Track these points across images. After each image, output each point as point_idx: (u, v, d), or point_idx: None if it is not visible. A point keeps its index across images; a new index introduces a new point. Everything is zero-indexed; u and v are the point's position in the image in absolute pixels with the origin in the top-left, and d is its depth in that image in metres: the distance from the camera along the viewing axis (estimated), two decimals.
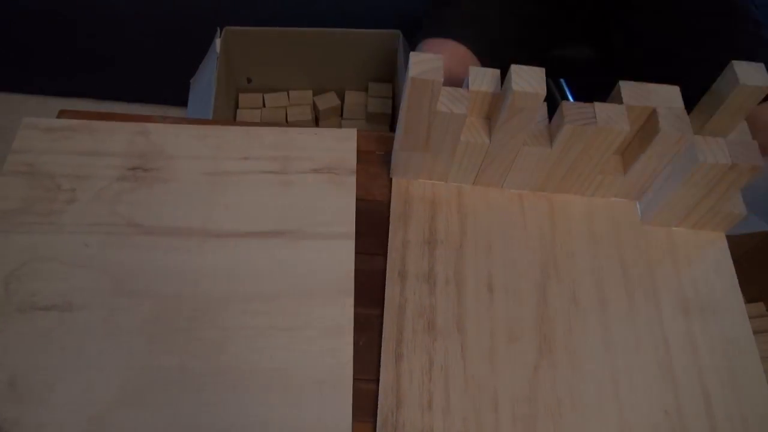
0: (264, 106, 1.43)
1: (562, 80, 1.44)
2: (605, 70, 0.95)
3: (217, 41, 1.22)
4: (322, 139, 0.79)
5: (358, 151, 0.79)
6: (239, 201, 0.73)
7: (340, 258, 0.70)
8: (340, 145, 0.79)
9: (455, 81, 0.80)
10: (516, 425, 0.62)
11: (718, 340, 0.69)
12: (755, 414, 0.64)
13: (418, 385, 0.63)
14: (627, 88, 0.68)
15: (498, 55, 0.91)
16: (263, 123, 1.32)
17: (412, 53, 0.62)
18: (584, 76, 0.89)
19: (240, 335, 0.64)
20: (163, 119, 0.80)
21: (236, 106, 1.43)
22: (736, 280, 0.73)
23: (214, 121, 0.80)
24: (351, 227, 0.72)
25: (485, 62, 0.93)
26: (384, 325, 0.67)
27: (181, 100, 1.40)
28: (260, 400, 0.61)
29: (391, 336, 0.66)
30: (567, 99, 1.17)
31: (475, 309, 0.69)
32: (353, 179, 0.76)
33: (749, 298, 1.13)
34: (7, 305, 0.65)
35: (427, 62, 0.61)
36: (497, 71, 0.67)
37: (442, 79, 0.61)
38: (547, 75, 0.62)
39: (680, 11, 0.91)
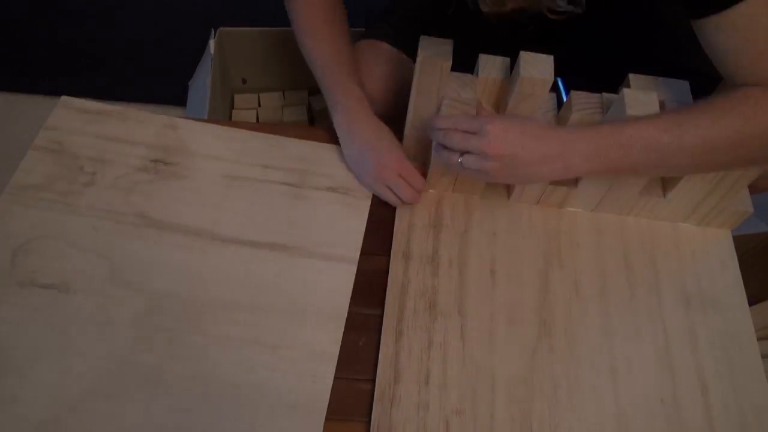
0: (260, 106, 1.43)
1: (558, 78, 1.44)
2: (596, 70, 0.93)
3: (211, 42, 1.23)
4: (343, 157, 0.78)
5: None
6: (250, 208, 0.73)
7: (339, 282, 0.69)
8: None
9: (387, 81, 0.85)
10: (511, 406, 0.63)
11: (718, 334, 0.69)
12: (752, 405, 0.64)
13: (417, 361, 0.65)
14: (636, 80, 0.69)
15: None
16: (262, 123, 1.33)
17: (422, 36, 0.64)
18: (580, 76, 0.87)
19: (223, 345, 0.64)
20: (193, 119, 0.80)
21: (232, 107, 1.45)
22: (740, 277, 0.73)
23: (243, 124, 0.81)
24: (356, 252, 0.71)
25: (405, 50, 0.90)
26: (386, 303, 0.68)
27: (181, 100, 1.42)
28: (231, 414, 0.60)
29: (393, 313, 0.67)
30: (561, 96, 1.17)
31: (477, 292, 0.70)
32: (368, 204, 0.75)
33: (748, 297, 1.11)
34: (9, 277, 0.66)
35: (435, 46, 0.63)
36: (507, 59, 0.68)
37: (450, 61, 0.62)
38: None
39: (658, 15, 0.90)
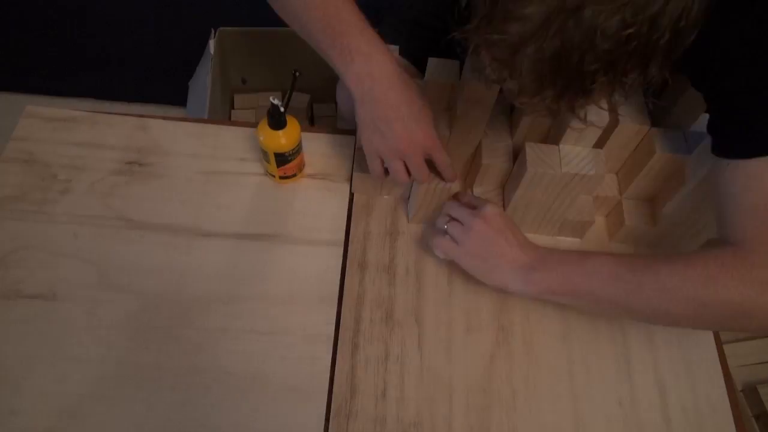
0: (259, 106, 1.43)
1: None
2: None
3: (211, 42, 1.22)
4: (320, 145, 0.78)
5: None
6: (231, 201, 0.73)
7: (327, 265, 0.69)
8: (338, 151, 0.78)
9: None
10: (469, 415, 0.62)
11: (676, 332, 0.69)
12: (708, 405, 0.65)
13: (373, 374, 0.64)
14: None
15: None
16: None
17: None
18: None
19: (219, 337, 0.64)
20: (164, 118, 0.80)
21: (231, 107, 1.44)
22: None
23: (214, 121, 0.79)
24: (341, 234, 0.72)
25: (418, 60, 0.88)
26: (341, 316, 0.67)
27: (181, 100, 1.41)
28: (233, 404, 0.61)
29: (348, 326, 0.66)
30: None
31: (434, 299, 0.69)
32: (347, 186, 0.75)
33: None
34: None
35: None
36: (456, 62, 0.67)
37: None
38: None
39: None
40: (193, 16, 1.67)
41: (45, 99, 1.49)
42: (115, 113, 0.79)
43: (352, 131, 0.79)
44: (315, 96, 1.42)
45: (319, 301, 0.67)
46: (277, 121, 0.66)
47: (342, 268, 0.70)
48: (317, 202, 0.74)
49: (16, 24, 1.66)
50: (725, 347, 0.69)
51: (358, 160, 0.73)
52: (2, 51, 1.61)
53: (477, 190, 0.72)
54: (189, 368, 0.62)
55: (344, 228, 0.72)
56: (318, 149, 0.78)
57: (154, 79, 1.58)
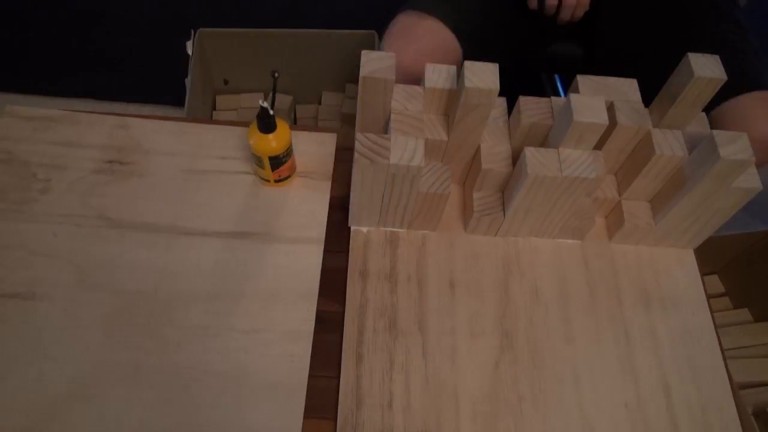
0: (240, 107, 1.42)
1: (556, 76, 1.43)
2: (597, 67, 0.93)
3: (188, 43, 1.21)
4: (301, 142, 0.78)
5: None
6: (211, 200, 0.73)
7: (307, 262, 0.69)
8: (319, 149, 0.78)
9: (434, 58, 0.79)
10: (476, 422, 0.62)
11: (679, 331, 0.69)
12: (714, 404, 0.65)
13: (378, 385, 0.63)
14: (584, 82, 0.68)
15: (477, 37, 0.90)
16: (242, 122, 1.30)
17: (363, 52, 0.61)
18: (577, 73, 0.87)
19: (198, 335, 0.64)
20: (145, 117, 0.79)
21: (213, 108, 1.43)
22: (698, 274, 0.73)
23: (195, 119, 0.80)
24: (321, 232, 0.72)
25: (463, 40, 0.90)
26: (345, 326, 0.66)
27: (181, 101, 1.40)
28: (213, 401, 0.61)
29: (352, 336, 0.66)
30: (558, 95, 1.17)
31: (437, 306, 0.68)
32: (328, 185, 0.75)
33: (741, 295, 1.13)
34: None
35: (378, 61, 0.61)
36: (453, 67, 0.66)
37: (394, 77, 0.60)
38: (542, 70, 0.61)
39: (661, 10, 0.91)
40: (194, 16, 1.65)
41: (45, 99, 1.49)
42: (96, 112, 0.79)
43: (329, 125, 0.79)
44: (297, 97, 1.42)
45: (298, 299, 0.67)
46: (267, 124, 0.66)
47: (327, 267, 0.69)
48: (297, 200, 0.74)
49: (16, 24, 1.64)
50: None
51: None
52: (2, 51, 1.60)
53: (476, 195, 0.72)
54: (169, 366, 0.62)
55: (324, 225, 0.72)
56: (299, 147, 0.78)
57: (155, 79, 1.57)
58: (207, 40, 1.26)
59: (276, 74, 0.63)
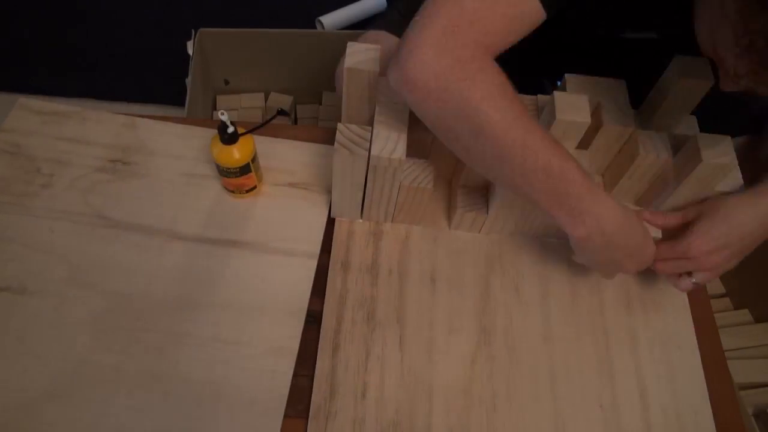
0: (241, 107, 1.42)
1: (558, 82, 1.42)
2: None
3: (189, 43, 1.22)
4: (303, 153, 0.77)
5: None
6: (209, 206, 0.72)
7: (299, 276, 0.68)
8: (319, 161, 0.77)
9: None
10: (449, 416, 0.62)
11: (659, 334, 0.69)
12: (689, 407, 0.64)
13: (353, 375, 0.64)
14: (572, 81, 0.67)
15: None
16: (242, 122, 1.31)
17: (348, 43, 0.62)
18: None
19: (182, 342, 0.64)
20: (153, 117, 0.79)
21: (214, 108, 1.44)
22: None
23: (201, 122, 0.79)
24: (316, 247, 0.71)
25: None
26: (323, 316, 0.67)
27: (181, 101, 1.42)
28: (189, 411, 0.60)
29: (330, 326, 0.66)
30: None
31: (417, 300, 0.69)
32: (328, 198, 0.74)
33: (741, 295, 1.12)
34: None
35: (363, 53, 0.61)
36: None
37: (378, 69, 0.61)
38: (546, 74, 0.60)
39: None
40: (194, 16, 1.66)
41: (45, 99, 1.50)
42: (107, 111, 0.79)
43: (329, 126, 0.78)
44: (297, 97, 1.42)
45: (286, 315, 0.66)
46: (229, 137, 0.65)
47: (323, 271, 0.69)
48: (295, 212, 0.73)
49: (16, 24, 1.65)
50: None
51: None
52: (2, 51, 1.61)
53: (460, 191, 0.72)
54: (149, 373, 0.62)
55: (320, 240, 0.71)
56: (299, 158, 0.77)
57: (154, 79, 1.58)
58: (207, 40, 1.27)
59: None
